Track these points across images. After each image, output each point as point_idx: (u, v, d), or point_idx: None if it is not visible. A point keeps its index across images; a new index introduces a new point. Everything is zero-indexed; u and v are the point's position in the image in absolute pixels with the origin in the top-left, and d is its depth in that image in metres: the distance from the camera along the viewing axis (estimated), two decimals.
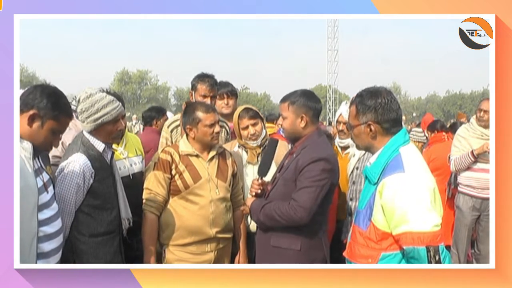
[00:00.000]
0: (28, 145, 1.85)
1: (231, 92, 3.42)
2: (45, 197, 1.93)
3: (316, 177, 2.22)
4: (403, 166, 1.77)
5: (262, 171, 2.47)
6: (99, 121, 2.25)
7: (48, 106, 1.85)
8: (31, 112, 1.83)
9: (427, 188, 1.74)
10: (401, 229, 1.71)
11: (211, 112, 2.58)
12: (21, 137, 1.85)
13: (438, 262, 1.68)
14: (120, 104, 2.35)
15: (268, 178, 2.50)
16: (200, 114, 2.55)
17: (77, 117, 2.29)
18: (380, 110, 1.85)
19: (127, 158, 2.83)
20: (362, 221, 1.88)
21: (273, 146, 2.51)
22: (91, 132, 2.29)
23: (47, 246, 1.93)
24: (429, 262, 1.68)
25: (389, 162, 1.81)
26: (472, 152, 3.73)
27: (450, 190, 4.24)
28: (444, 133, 4.84)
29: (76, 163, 2.19)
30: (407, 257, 1.76)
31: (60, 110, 1.88)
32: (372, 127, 1.87)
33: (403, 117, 2.05)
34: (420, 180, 1.75)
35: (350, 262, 1.97)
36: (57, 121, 1.88)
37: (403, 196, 1.71)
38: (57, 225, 1.99)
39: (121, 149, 2.82)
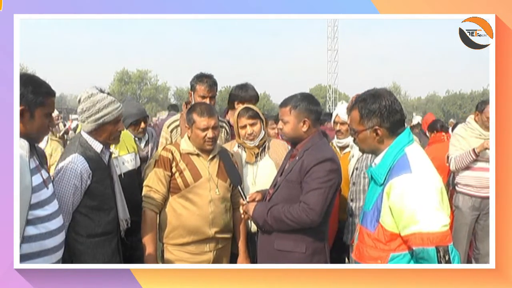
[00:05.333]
0: (25, 143, 1.84)
1: (255, 98, 3.32)
2: (46, 193, 1.93)
3: (324, 178, 2.21)
4: (410, 167, 1.76)
5: (236, 181, 2.56)
6: (100, 121, 2.24)
7: (30, 96, 1.83)
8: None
9: (435, 188, 1.74)
10: (410, 229, 1.71)
11: (206, 116, 2.53)
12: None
13: (448, 262, 1.68)
14: (121, 105, 2.33)
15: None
16: (195, 116, 2.55)
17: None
18: (386, 114, 1.84)
19: (118, 157, 2.82)
20: (370, 223, 1.87)
21: (227, 156, 2.64)
22: (91, 133, 2.27)
23: (50, 243, 1.93)
24: (439, 262, 1.68)
25: (395, 163, 1.81)
26: (473, 150, 3.73)
27: (448, 191, 4.24)
28: (443, 133, 4.85)
29: (74, 164, 2.17)
30: (417, 257, 1.76)
31: (42, 94, 1.87)
32: (379, 132, 1.85)
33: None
34: (427, 180, 1.75)
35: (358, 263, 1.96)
36: (44, 105, 1.88)
37: (411, 197, 1.71)
38: (58, 221, 1.99)
39: (112, 149, 2.81)
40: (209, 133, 2.53)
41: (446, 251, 1.67)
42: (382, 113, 1.84)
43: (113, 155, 2.77)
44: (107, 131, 2.28)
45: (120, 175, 2.73)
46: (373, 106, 1.85)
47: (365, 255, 1.89)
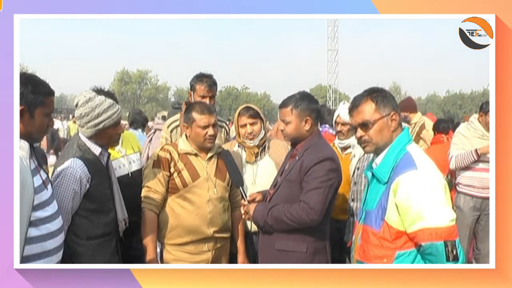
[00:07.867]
0: (25, 144, 1.83)
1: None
2: (46, 194, 1.92)
3: (324, 177, 2.22)
4: (415, 164, 1.78)
5: (238, 182, 2.57)
6: (100, 126, 2.20)
7: (30, 96, 1.82)
8: None
9: (440, 184, 1.76)
10: (417, 226, 1.72)
11: (206, 114, 2.55)
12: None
13: (456, 256, 1.70)
14: (120, 107, 2.30)
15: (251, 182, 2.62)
16: (194, 114, 2.55)
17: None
18: (393, 99, 1.90)
19: (125, 156, 2.82)
20: (375, 221, 1.88)
21: (229, 156, 2.66)
22: (90, 137, 2.24)
23: (51, 244, 1.92)
24: (447, 256, 1.70)
25: (398, 161, 1.83)
26: (476, 150, 3.72)
27: None
28: (443, 135, 4.85)
29: (73, 169, 2.15)
30: (424, 253, 1.77)
31: (42, 94, 1.85)
32: (394, 117, 1.88)
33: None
34: (433, 176, 1.78)
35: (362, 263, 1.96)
36: (44, 105, 1.86)
37: (418, 193, 1.73)
38: (58, 222, 1.98)
39: (119, 147, 2.79)
40: (210, 131, 2.55)
41: (454, 245, 1.70)
42: (393, 98, 1.90)
43: (121, 154, 2.78)
44: (107, 135, 2.25)
45: (127, 174, 2.74)
46: (384, 93, 1.90)
47: (370, 255, 1.89)
